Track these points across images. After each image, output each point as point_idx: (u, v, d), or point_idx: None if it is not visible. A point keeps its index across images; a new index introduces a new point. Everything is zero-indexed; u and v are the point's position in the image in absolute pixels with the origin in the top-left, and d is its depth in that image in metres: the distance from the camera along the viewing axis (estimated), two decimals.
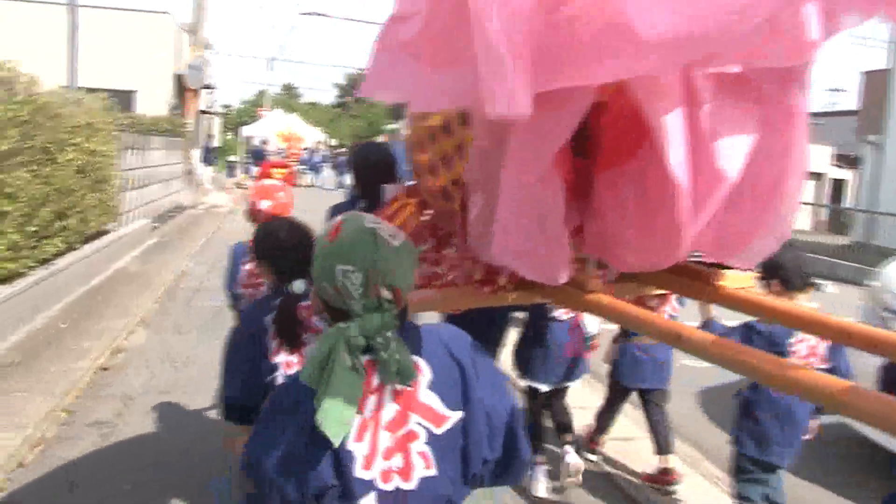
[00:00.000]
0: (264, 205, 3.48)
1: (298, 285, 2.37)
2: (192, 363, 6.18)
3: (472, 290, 2.16)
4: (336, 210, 3.57)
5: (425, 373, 1.52)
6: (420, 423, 1.49)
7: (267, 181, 3.95)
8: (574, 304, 2.19)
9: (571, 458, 4.10)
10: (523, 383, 4.23)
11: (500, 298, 2.16)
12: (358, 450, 1.45)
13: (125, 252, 10.57)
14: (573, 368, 4.09)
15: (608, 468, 4.60)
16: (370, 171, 3.51)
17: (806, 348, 3.23)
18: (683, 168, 1.50)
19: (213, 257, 11.44)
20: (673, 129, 1.48)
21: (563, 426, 4.24)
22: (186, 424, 5.01)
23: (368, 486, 1.45)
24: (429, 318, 2.12)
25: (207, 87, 23.54)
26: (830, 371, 3.11)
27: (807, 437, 3.43)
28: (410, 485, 1.48)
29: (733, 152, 1.54)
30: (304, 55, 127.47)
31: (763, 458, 3.34)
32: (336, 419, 1.39)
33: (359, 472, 1.44)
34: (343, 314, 1.48)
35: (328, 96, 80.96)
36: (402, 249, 1.50)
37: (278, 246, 2.58)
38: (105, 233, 9.84)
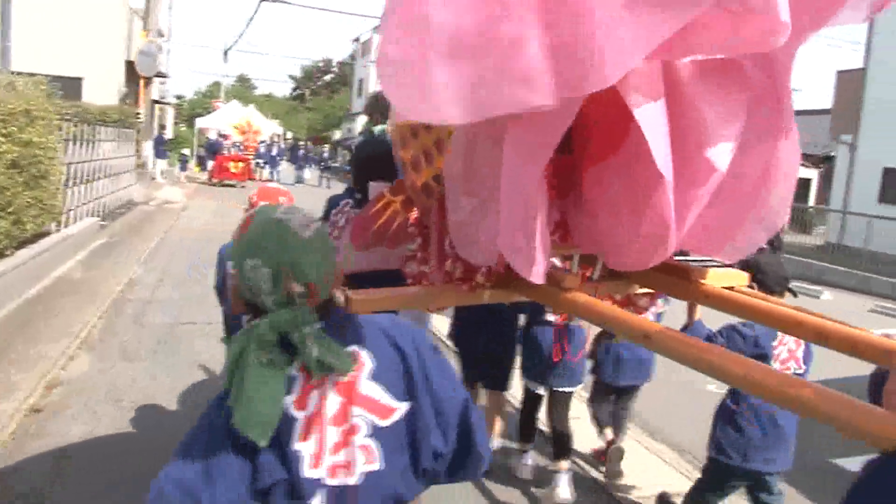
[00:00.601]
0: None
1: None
2: (143, 400, 5.17)
3: (451, 287, 2.13)
4: (332, 202, 3.53)
5: (366, 362, 1.49)
6: (362, 416, 1.45)
7: (272, 184, 4.15)
8: (551, 301, 2.13)
9: (563, 491, 3.98)
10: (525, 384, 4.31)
11: (478, 296, 2.16)
12: (305, 449, 1.41)
13: (68, 256, 9.45)
14: (564, 372, 4.04)
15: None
16: (365, 164, 3.46)
17: (786, 352, 3.26)
18: (668, 161, 1.47)
19: (165, 262, 10.41)
20: (654, 121, 1.45)
21: (560, 443, 4.13)
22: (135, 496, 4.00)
23: (316, 484, 1.41)
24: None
25: (160, 75, 22.33)
26: (802, 375, 3.19)
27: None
28: (353, 479, 1.43)
29: (722, 143, 1.53)
30: (259, 46, 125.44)
31: (747, 466, 3.29)
32: (254, 421, 1.34)
33: (307, 471, 1.40)
34: (261, 312, 1.44)
35: (284, 88, 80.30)
36: (312, 241, 1.44)
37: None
38: (44, 235, 8.75)
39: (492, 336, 4.13)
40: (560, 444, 4.12)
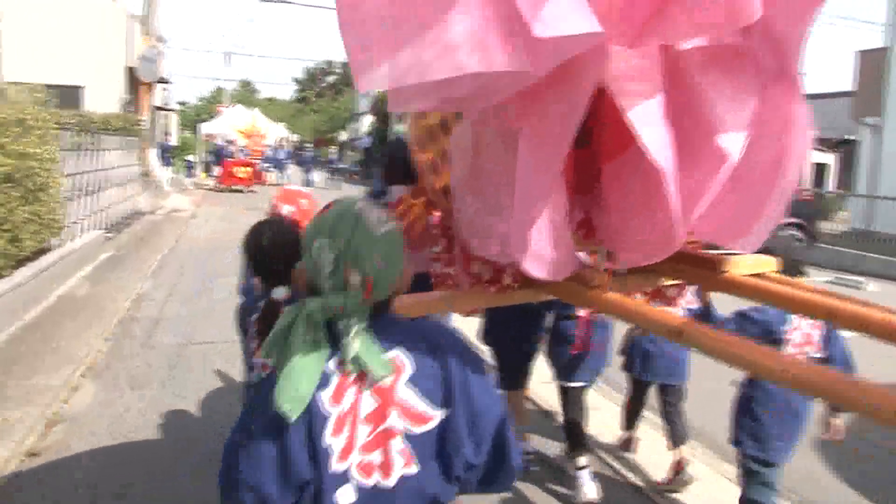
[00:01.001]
0: (286, 210, 3.29)
1: (279, 292, 2.30)
2: (153, 435, 4.65)
3: (479, 289, 2.13)
4: None
5: (406, 367, 1.47)
6: (399, 420, 1.44)
7: (293, 186, 3.83)
8: (579, 300, 2.13)
9: (589, 488, 3.85)
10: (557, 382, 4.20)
11: (507, 298, 2.17)
12: (335, 444, 1.42)
13: (72, 272, 8.97)
14: (584, 366, 4.00)
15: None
16: (395, 166, 3.48)
17: (800, 336, 3.19)
18: (666, 154, 1.46)
19: (174, 274, 9.91)
20: (647, 112, 1.44)
21: (576, 437, 4.02)
22: None
23: (342, 478, 1.42)
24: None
25: (162, 81, 21.91)
26: (826, 360, 3.15)
27: (837, 437, 3.38)
28: (390, 482, 1.44)
29: (733, 131, 1.51)
30: (261, 49, 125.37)
31: (762, 455, 3.25)
32: (291, 395, 1.36)
33: (334, 465, 1.41)
34: (317, 293, 1.46)
35: (287, 91, 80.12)
36: (383, 238, 1.46)
37: (260, 248, 2.48)
38: (44, 251, 8.25)
39: (519, 335, 4.07)
40: (575, 438, 4.02)
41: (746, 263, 2.11)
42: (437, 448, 1.48)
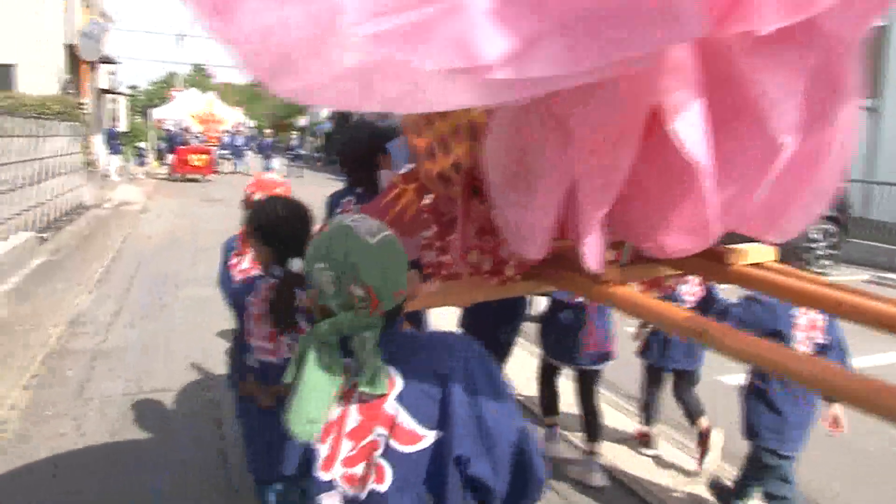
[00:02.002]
0: (259, 197, 3.20)
1: (297, 263, 2.31)
2: None
3: (479, 281, 2.10)
4: (333, 202, 3.68)
5: (396, 384, 1.46)
6: (383, 436, 1.43)
7: (267, 174, 3.95)
8: (586, 293, 2.06)
9: (598, 476, 3.92)
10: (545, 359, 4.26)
11: (508, 290, 2.15)
12: (321, 450, 1.47)
13: None
14: (595, 351, 3.94)
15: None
16: (353, 157, 3.65)
17: (807, 321, 3.15)
18: (702, 148, 1.42)
19: (121, 285, 8.29)
20: (684, 105, 1.39)
21: (593, 424, 4.02)
22: None
23: (327, 486, 1.46)
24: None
25: (108, 60, 19.97)
26: (827, 346, 3.14)
27: (838, 430, 3.29)
28: (363, 495, 1.44)
29: (787, 119, 1.44)
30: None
31: (781, 448, 3.19)
32: (301, 418, 1.42)
33: (318, 471, 1.46)
34: (329, 317, 1.48)
35: (242, 75, 78.33)
36: (378, 247, 1.47)
37: (274, 219, 2.49)
38: None
39: (501, 321, 3.78)
40: (592, 425, 4.03)
41: (746, 253, 2.09)
42: (426, 468, 1.43)
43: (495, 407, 1.47)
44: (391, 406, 1.43)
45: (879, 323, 1.73)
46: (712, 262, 2.08)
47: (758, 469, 3.31)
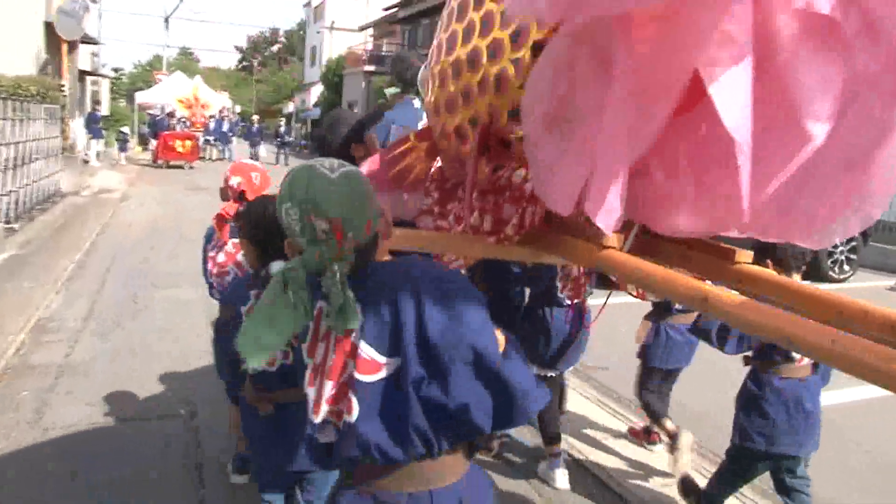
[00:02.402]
0: (234, 181, 3.32)
1: (276, 266, 2.09)
2: None
3: (476, 237, 2.11)
4: None
5: (360, 316, 1.47)
6: (353, 369, 1.46)
7: (246, 160, 3.91)
8: (586, 260, 2.04)
9: (560, 478, 3.89)
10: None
11: (503, 251, 2.13)
12: (310, 394, 1.52)
13: None
14: (572, 355, 3.94)
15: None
16: (330, 149, 3.60)
17: None
18: (744, 122, 1.38)
19: (95, 283, 7.63)
20: (732, 83, 1.35)
21: (551, 427, 3.97)
22: None
23: (320, 427, 1.52)
24: None
25: (88, 40, 19.14)
26: None
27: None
28: (342, 428, 1.49)
29: (820, 110, 1.37)
30: (203, 13, 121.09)
31: (773, 450, 3.15)
32: (252, 343, 1.45)
33: (310, 413, 1.50)
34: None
35: (230, 59, 77.72)
36: (338, 180, 1.47)
37: (262, 224, 2.48)
38: None
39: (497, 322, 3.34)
40: (550, 428, 3.97)
41: (750, 254, 2.02)
42: (389, 395, 1.45)
43: (448, 327, 1.45)
44: (355, 337, 1.46)
45: (886, 329, 1.65)
46: (719, 261, 2.04)
47: (740, 467, 3.32)
